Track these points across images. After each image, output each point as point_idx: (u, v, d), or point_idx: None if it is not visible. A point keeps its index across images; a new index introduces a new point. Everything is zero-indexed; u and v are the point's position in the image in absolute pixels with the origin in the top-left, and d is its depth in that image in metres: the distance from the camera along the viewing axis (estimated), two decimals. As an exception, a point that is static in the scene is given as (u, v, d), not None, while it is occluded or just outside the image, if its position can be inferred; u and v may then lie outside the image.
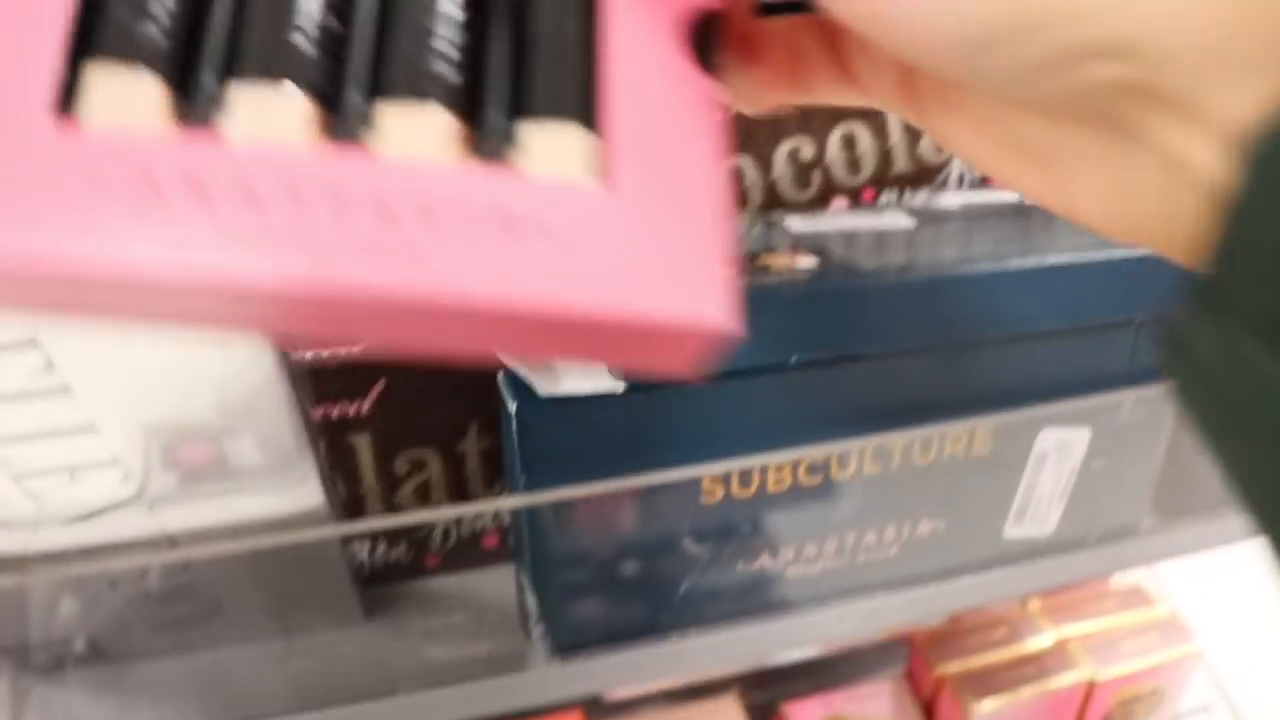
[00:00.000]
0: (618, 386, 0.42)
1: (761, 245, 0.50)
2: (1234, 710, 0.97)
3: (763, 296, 0.43)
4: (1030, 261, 0.47)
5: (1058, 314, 0.49)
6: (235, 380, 0.35)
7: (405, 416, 0.51)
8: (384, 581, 0.55)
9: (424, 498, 0.54)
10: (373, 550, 0.54)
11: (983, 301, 0.47)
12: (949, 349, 0.48)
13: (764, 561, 0.50)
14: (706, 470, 0.46)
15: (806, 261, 0.47)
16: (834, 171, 0.59)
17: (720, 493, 0.47)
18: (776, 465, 0.47)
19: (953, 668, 0.89)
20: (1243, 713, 0.97)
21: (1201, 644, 0.93)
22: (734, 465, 0.46)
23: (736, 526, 0.48)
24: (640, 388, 0.43)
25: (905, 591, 0.53)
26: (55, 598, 0.45)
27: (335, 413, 0.51)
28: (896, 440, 0.49)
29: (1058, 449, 0.53)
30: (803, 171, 0.59)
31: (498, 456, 0.54)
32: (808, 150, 0.58)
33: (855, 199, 0.61)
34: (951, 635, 0.93)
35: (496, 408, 0.52)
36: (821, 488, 0.48)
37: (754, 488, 0.47)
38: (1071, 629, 0.93)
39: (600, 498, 0.44)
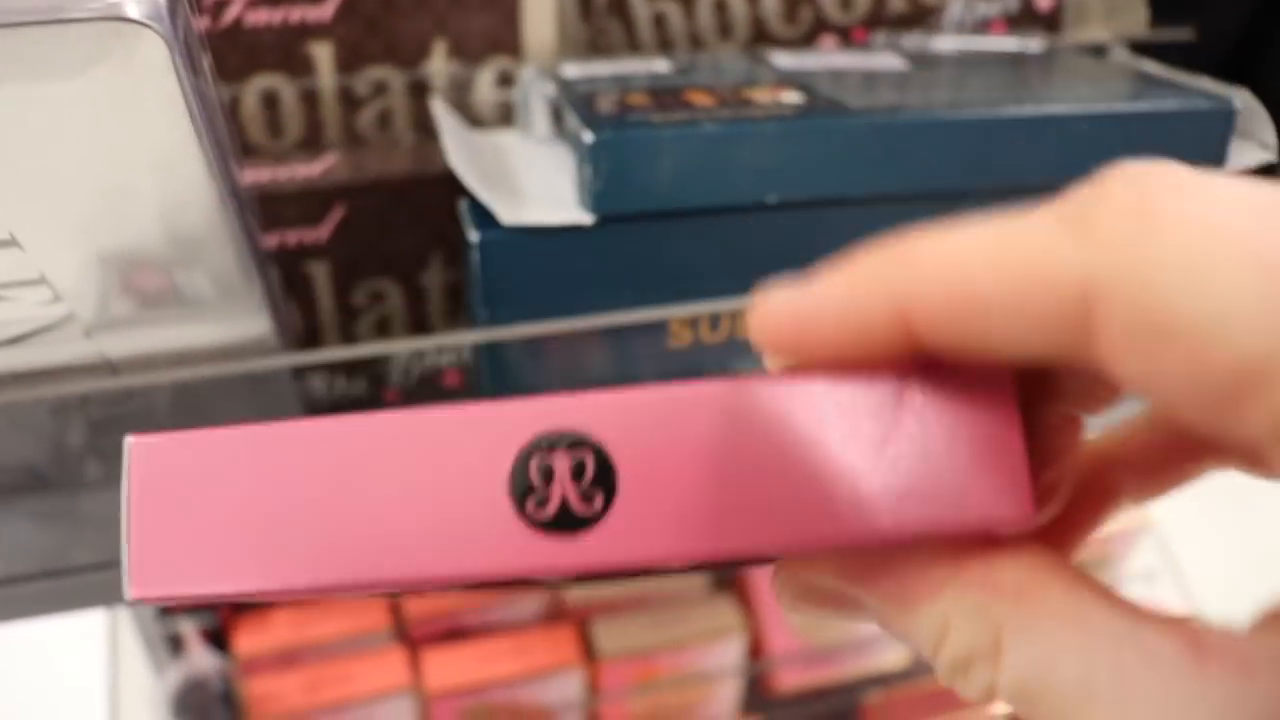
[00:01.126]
0: (586, 218, 0.40)
1: (744, 79, 0.48)
2: (1178, 576, 0.98)
3: (742, 130, 0.41)
4: (1025, 110, 0.45)
5: (1051, 167, 0.47)
6: (173, 201, 0.32)
7: (365, 245, 0.49)
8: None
9: (383, 331, 0.52)
10: (330, 383, 0.52)
11: (973, 149, 0.45)
12: (935, 198, 0.46)
13: (730, 409, 0.48)
14: (674, 312, 0.44)
15: (791, 97, 0.44)
16: (825, 7, 0.56)
17: (688, 337, 0.45)
18: (750, 309, 0.45)
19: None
20: (1186, 578, 0.98)
21: (1151, 513, 0.94)
22: (703, 308, 0.44)
23: (703, 374, 0.46)
24: (610, 220, 0.41)
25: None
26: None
27: (291, 240, 0.48)
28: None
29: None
30: (792, 6, 0.56)
31: (460, 291, 0.52)
32: (798, -17, 0.55)
33: (846, 38, 0.58)
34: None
35: (459, 238, 0.50)
36: (793, 336, 0.47)
37: (724, 333, 0.45)
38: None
39: (563, 335, 0.43)
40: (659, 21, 0.55)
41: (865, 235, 0.46)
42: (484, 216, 0.41)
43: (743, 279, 0.45)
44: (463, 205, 0.42)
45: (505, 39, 0.52)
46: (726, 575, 0.90)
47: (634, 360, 0.45)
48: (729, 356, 0.46)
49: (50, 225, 0.31)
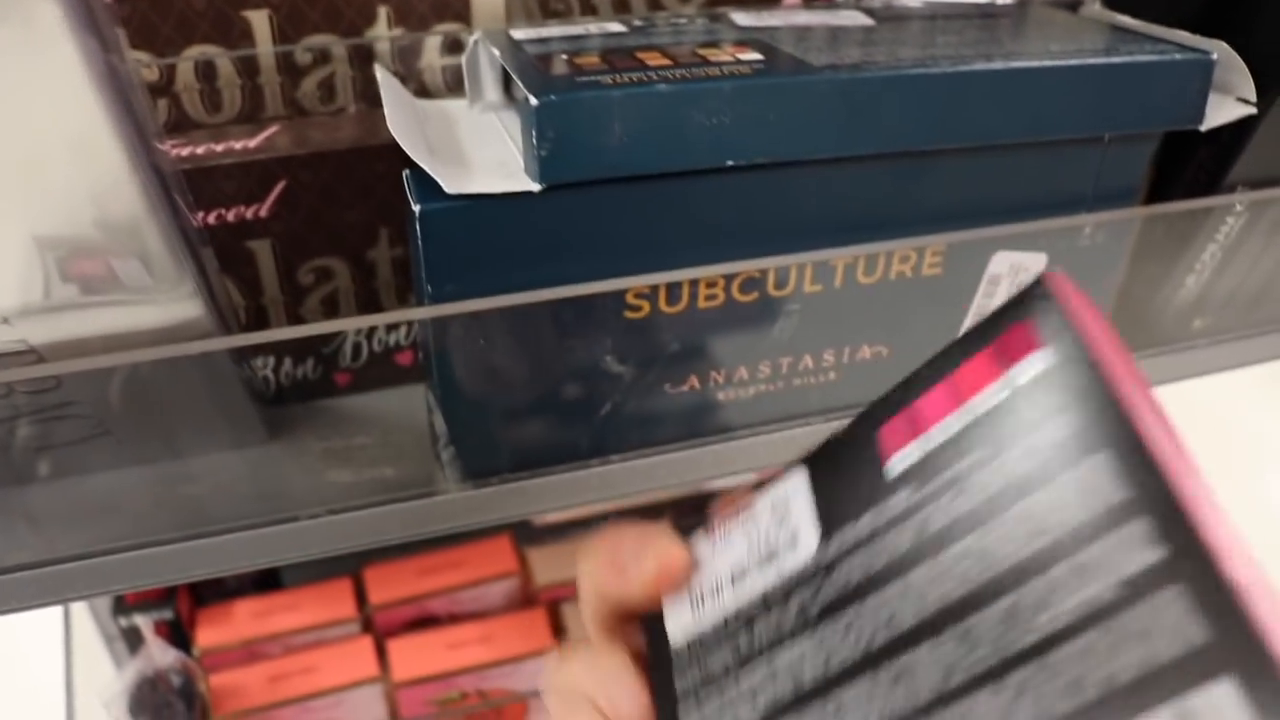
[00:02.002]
0: (534, 185, 0.38)
1: (703, 39, 0.45)
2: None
3: (697, 90, 0.39)
4: (997, 65, 0.43)
5: (1020, 126, 0.45)
6: (87, 179, 0.30)
7: (308, 221, 0.47)
8: (293, 400, 0.51)
9: (332, 310, 0.50)
10: (278, 367, 0.50)
11: (940, 108, 0.43)
12: (900, 159, 0.44)
13: (692, 384, 0.46)
14: (631, 283, 0.42)
15: (750, 55, 0.42)
16: (784, -34, 0.54)
17: (646, 308, 0.43)
18: (708, 280, 0.43)
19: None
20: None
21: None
22: (661, 278, 0.42)
23: (663, 345, 0.44)
24: (560, 187, 0.39)
25: (843, 418, 0.50)
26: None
27: (231, 216, 0.46)
28: (839, 257, 0.45)
29: (1011, 273, 0.50)
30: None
31: (408, 266, 0.50)
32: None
33: (809, -5, 0.56)
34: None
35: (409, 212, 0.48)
36: (756, 306, 0.45)
37: (683, 303, 0.43)
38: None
39: (515, 310, 0.40)
40: (614, -17, 0.53)
41: (830, 199, 0.44)
42: (428, 187, 0.39)
43: (702, 247, 0.43)
44: (406, 175, 0.40)
45: (453, 3, 0.50)
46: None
47: (590, 335, 0.43)
48: (689, 329, 0.44)
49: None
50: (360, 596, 0.76)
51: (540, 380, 0.43)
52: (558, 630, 0.77)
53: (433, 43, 0.50)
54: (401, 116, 0.42)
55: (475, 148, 0.42)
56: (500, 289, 0.40)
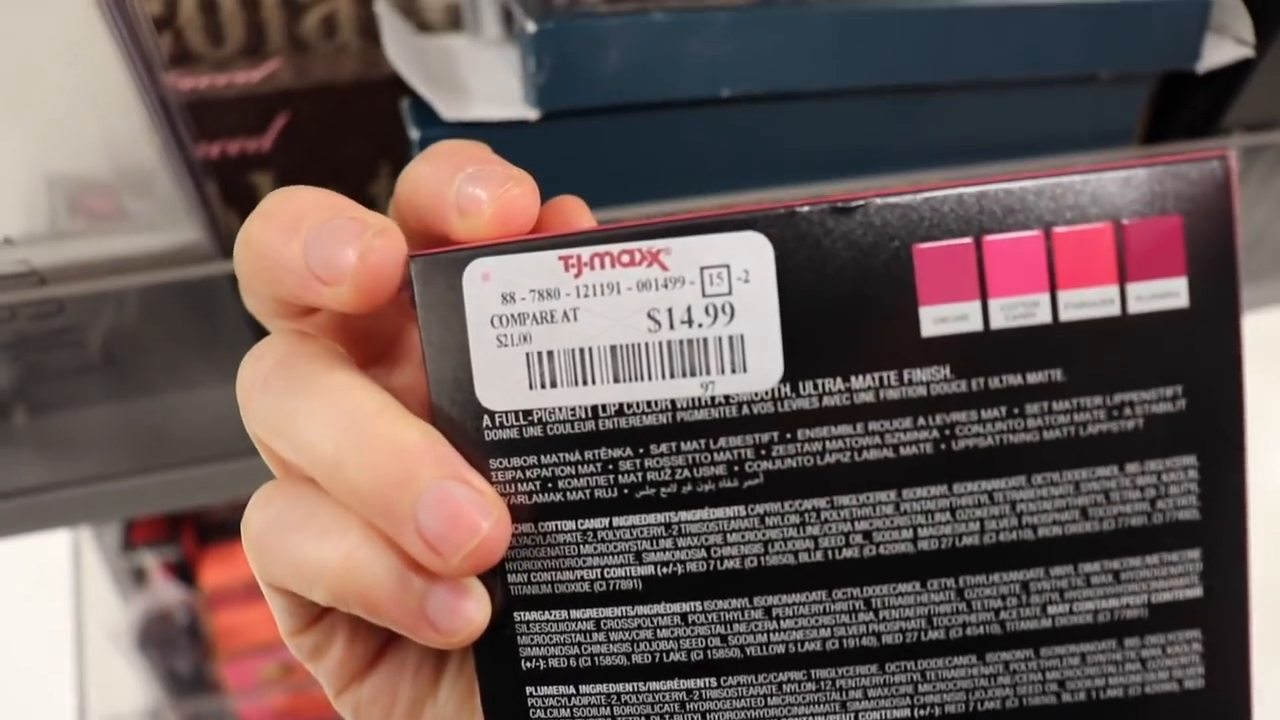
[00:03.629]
0: (531, 113, 0.39)
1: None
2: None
3: (693, 20, 0.39)
4: (991, 1, 0.43)
5: (1015, 62, 0.45)
6: (94, 105, 0.31)
7: (310, 154, 0.48)
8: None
9: (331, 244, 0.51)
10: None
11: (936, 41, 0.43)
12: (895, 93, 0.45)
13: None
14: (626, 214, 0.42)
15: (747, -12, 0.43)
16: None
17: (643, 241, 0.43)
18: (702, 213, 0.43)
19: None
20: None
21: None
22: (655, 209, 0.43)
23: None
24: (556, 115, 0.39)
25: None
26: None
27: (234, 149, 0.47)
28: (834, 193, 0.45)
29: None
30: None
31: (411, 203, 0.50)
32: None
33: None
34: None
35: (410, 146, 0.48)
36: (753, 241, 0.45)
37: (680, 237, 0.44)
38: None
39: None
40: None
41: (822, 132, 0.45)
42: (426, 114, 0.39)
43: (696, 178, 0.43)
44: (404, 104, 0.41)
45: (452, -62, 0.50)
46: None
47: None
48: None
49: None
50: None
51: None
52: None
53: (433, -21, 0.50)
54: (401, 48, 0.42)
55: (474, 79, 0.43)
56: (497, 217, 0.41)
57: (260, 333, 0.42)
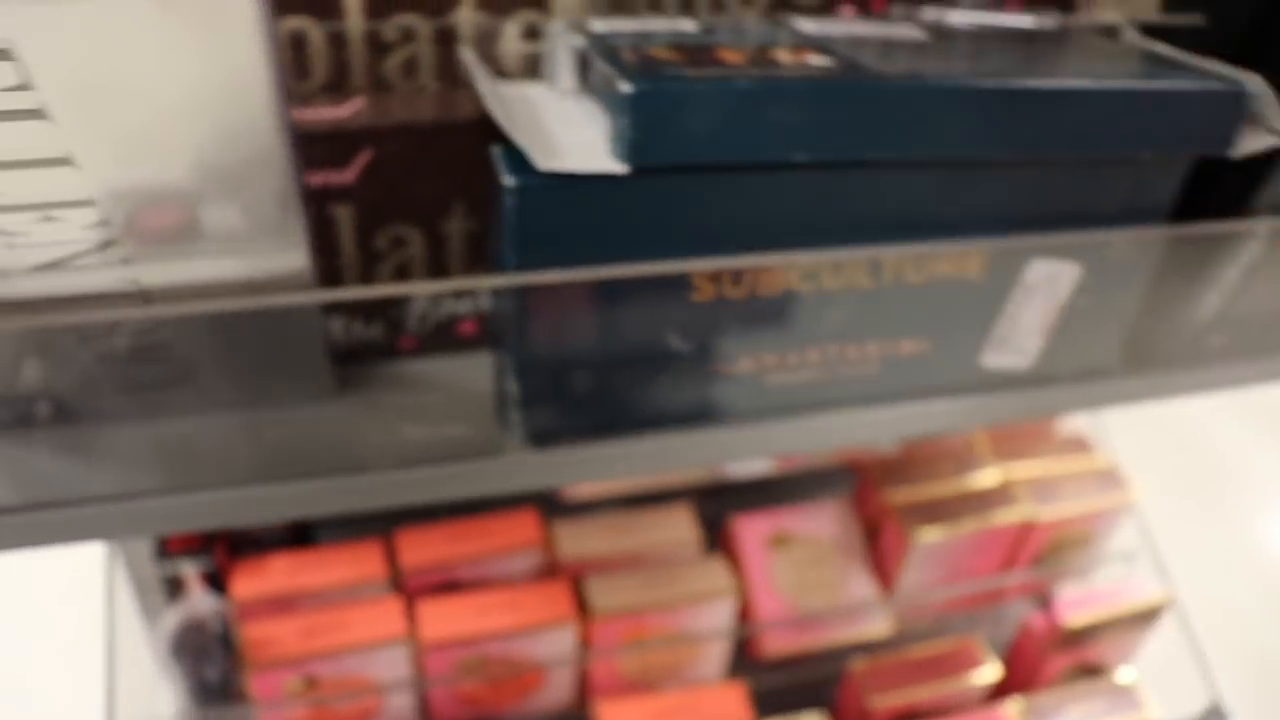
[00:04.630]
0: (621, 167, 0.41)
1: (769, 42, 0.48)
2: (1156, 557, 1.00)
3: (774, 88, 0.41)
4: (1047, 84, 0.46)
5: (1065, 142, 0.48)
6: (236, 129, 0.33)
7: (390, 190, 0.50)
8: (356, 360, 0.54)
9: (402, 277, 0.53)
10: (348, 327, 0.53)
11: (995, 120, 0.46)
12: (952, 166, 0.47)
13: (745, 366, 0.49)
14: (701, 265, 0.45)
15: (817, 59, 0.45)
16: (849, -25, 0.57)
17: (711, 291, 0.46)
18: (769, 268, 0.46)
19: (899, 496, 0.90)
20: (1165, 561, 1.00)
21: (1134, 494, 0.95)
22: (729, 263, 0.45)
23: (723, 327, 0.47)
24: (643, 171, 0.41)
25: (881, 409, 0.53)
26: (20, 351, 0.44)
27: (318, 181, 0.49)
28: (892, 256, 0.48)
29: (1047, 281, 0.53)
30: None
31: (480, 240, 0.53)
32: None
33: (864, 7, 0.58)
34: (899, 465, 0.94)
35: (484, 187, 0.50)
36: (812, 296, 0.48)
37: (745, 288, 0.46)
38: (1016, 469, 0.95)
39: (591, 284, 0.43)
40: (683, -17, 0.56)
41: (885, 199, 0.47)
42: (518, 162, 0.42)
43: (767, 236, 0.46)
44: (496, 151, 0.43)
45: (534, -8, 0.52)
46: (718, 537, 0.91)
47: (656, 313, 0.46)
48: (747, 313, 0.47)
49: (110, 146, 0.32)
50: (390, 558, 0.79)
51: (606, 353, 0.46)
52: (581, 602, 0.80)
53: (512, 29, 0.52)
54: (493, 96, 0.44)
55: (558, 129, 0.45)
56: (578, 263, 0.43)
57: (338, 363, 0.44)
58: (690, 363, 0.48)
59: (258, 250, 0.39)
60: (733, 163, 0.43)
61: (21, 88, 0.29)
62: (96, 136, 0.31)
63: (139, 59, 0.29)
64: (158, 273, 0.39)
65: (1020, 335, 0.55)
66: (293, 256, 0.40)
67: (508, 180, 0.41)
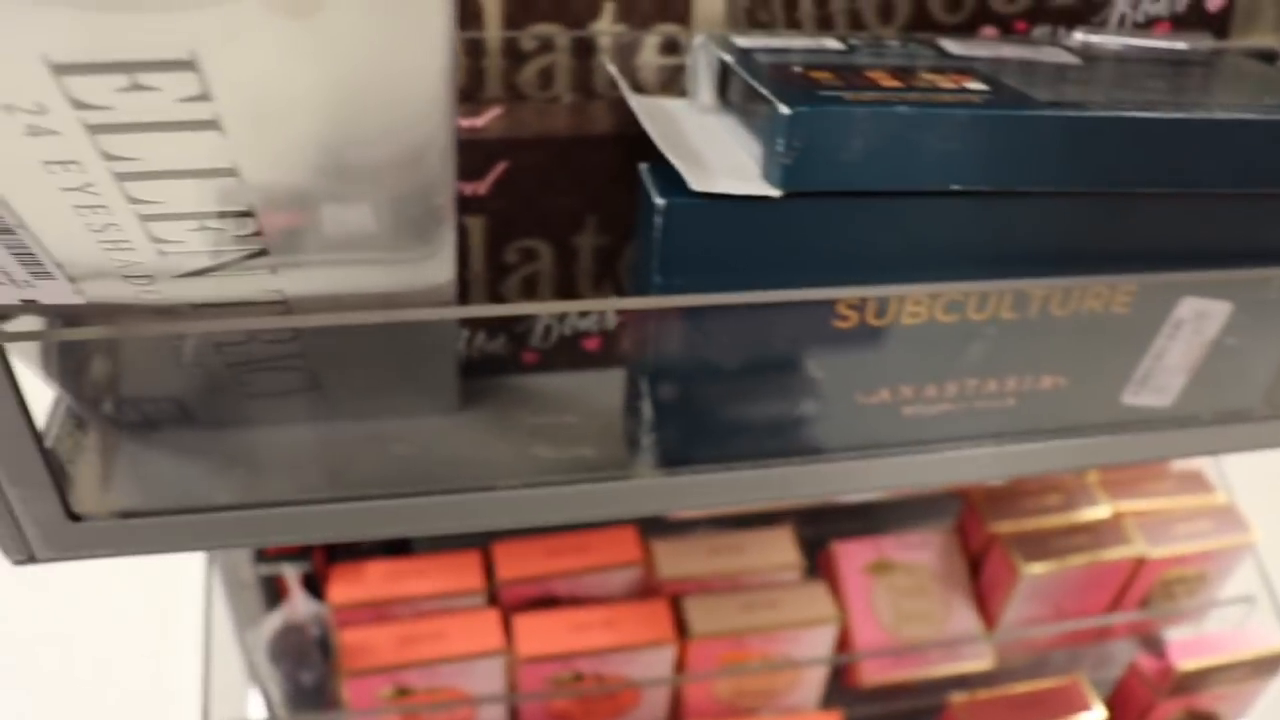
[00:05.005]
0: (774, 190, 0.40)
1: (921, 63, 0.47)
2: (1277, 604, 0.96)
3: (934, 114, 0.40)
4: (1212, 115, 0.44)
5: (1225, 175, 0.46)
6: (409, 142, 0.32)
7: (523, 203, 0.49)
8: (478, 373, 0.53)
9: (530, 290, 0.52)
10: (471, 340, 0.52)
11: (1155, 151, 0.44)
12: (1108, 197, 0.45)
13: (882, 396, 0.48)
14: (846, 293, 0.43)
15: (975, 84, 0.43)
16: (990, -5, 0.55)
17: (854, 318, 0.44)
18: (915, 297, 0.44)
19: (1005, 527, 0.88)
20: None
21: (1253, 535, 0.92)
22: (873, 291, 0.43)
23: (863, 356, 0.46)
24: (795, 195, 0.40)
25: (1015, 444, 0.51)
26: (155, 355, 0.44)
27: (450, 191, 0.48)
28: (1040, 288, 0.46)
29: (1195, 319, 0.50)
30: (957, -8, 0.55)
31: (610, 255, 0.51)
32: (967, -31, 0.54)
33: (1006, 28, 0.57)
34: (1006, 494, 0.92)
35: (617, 203, 0.49)
36: (955, 327, 0.46)
37: (889, 318, 0.45)
38: (1128, 504, 0.92)
39: (734, 307, 0.42)
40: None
41: (1036, 231, 0.45)
42: (668, 181, 0.40)
43: (917, 265, 0.44)
44: (643, 168, 0.42)
45: (675, 5, 0.51)
46: (818, 561, 0.90)
47: (797, 339, 0.44)
48: (890, 342, 0.45)
49: (276, 156, 0.31)
50: (487, 570, 0.78)
51: (745, 378, 0.45)
52: (680, 623, 0.79)
53: (651, 41, 0.51)
54: (644, 112, 0.43)
55: (703, 147, 0.44)
56: (724, 287, 0.41)
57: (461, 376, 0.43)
58: (827, 390, 0.46)
59: (406, 262, 0.38)
60: (886, 190, 0.41)
61: (199, 99, 0.28)
62: (264, 147, 0.30)
63: (320, 71, 0.28)
64: (301, 282, 0.38)
65: (1164, 373, 0.53)
66: (439, 270, 0.39)
67: (658, 199, 0.40)
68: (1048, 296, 0.47)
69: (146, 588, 1.09)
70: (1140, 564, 0.88)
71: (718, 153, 0.43)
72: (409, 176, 0.33)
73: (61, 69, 0.27)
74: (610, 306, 0.48)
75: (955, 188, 0.42)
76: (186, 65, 0.28)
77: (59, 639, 1.13)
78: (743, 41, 0.48)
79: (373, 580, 0.76)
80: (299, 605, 0.73)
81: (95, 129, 0.29)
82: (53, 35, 0.26)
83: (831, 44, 0.49)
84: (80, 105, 0.28)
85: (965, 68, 0.46)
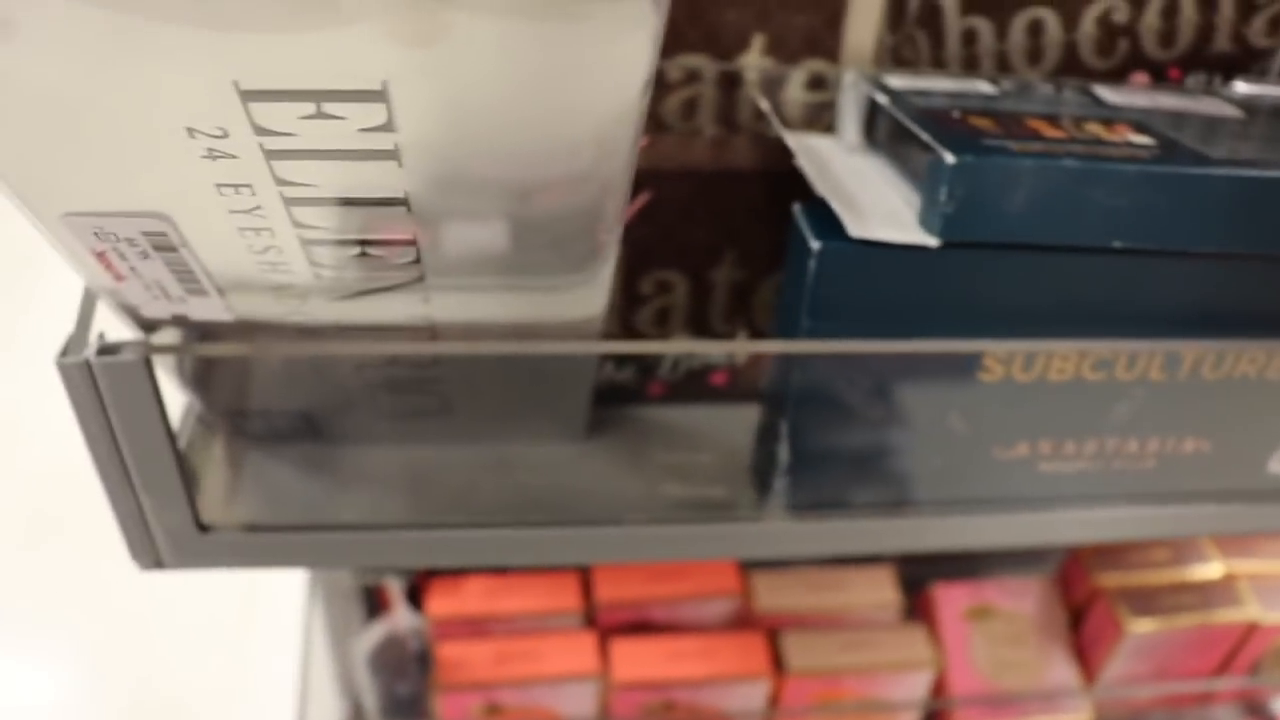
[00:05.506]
0: (932, 240, 0.39)
1: (1079, 112, 0.45)
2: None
3: (1101, 169, 0.39)
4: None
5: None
6: (589, 172, 0.31)
7: (662, 233, 0.48)
8: (604, 403, 0.53)
9: (663, 321, 0.51)
10: (600, 369, 0.52)
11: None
12: (1272, 260, 0.44)
13: (1020, 451, 0.46)
14: (995, 346, 0.42)
15: (1140, 138, 0.42)
16: (1144, 41, 0.54)
17: (1000, 372, 0.43)
18: (1064, 354, 0.43)
19: (1111, 580, 0.86)
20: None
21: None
22: (1024, 346, 0.42)
23: (1006, 410, 0.45)
24: (954, 245, 0.39)
25: (1153, 508, 0.50)
26: (297, 371, 0.44)
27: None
28: (1194, 350, 0.44)
29: (1349, 386, 0.49)
30: (1109, 36, 0.53)
31: (745, 291, 0.51)
32: (1121, 13, 0.52)
33: (1160, 75, 0.55)
34: (1112, 547, 0.89)
35: (755, 239, 0.49)
36: (1101, 386, 0.45)
37: (1035, 373, 0.43)
38: (1240, 564, 0.89)
39: (881, 356, 0.41)
40: (968, 38, 0.53)
41: (1196, 292, 0.44)
42: (823, 224, 0.40)
43: (1069, 321, 0.43)
44: (797, 208, 0.41)
45: (825, 41, 0.51)
46: (916, 602, 0.88)
47: (940, 390, 0.43)
48: (1034, 397, 0.44)
49: (449, 188, 0.31)
50: (585, 591, 0.78)
51: (886, 426, 0.44)
52: (776, 657, 0.77)
53: (797, 77, 0.51)
54: (802, 152, 0.43)
55: (856, 189, 0.43)
56: (870, 333, 0.41)
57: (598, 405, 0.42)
58: (964, 442, 0.45)
59: (561, 290, 0.37)
60: (1046, 244, 0.40)
61: (384, 129, 0.28)
62: (439, 179, 0.30)
63: (506, 106, 0.28)
64: (452, 309, 0.38)
65: (1311, 442, 0.51)
66: (593, 301, 0.38)
67: (814, 243, 0.39)
68: (1200, 359, 0.45)
69: (251, 590, 1.11)
70: (1252, 629, 0.85)
71: (870, 196, 0.42)
72: (583, 210, 0.32)
73: (250, 95, 0.27)
74: (755, 349, 0.47)
75: (1117, 245, 0.40)
76: (376, 96, 0.27)
77: (157, 636, 1.15)
78: (895, 82, 0.47)
79: (471, 595, 0.76)
80: (401, 617, 0.73)
81: (273, 154, 0.29)
82: (244, 61, 0.26)
83: (984, 88, 0.48)
84: (262, 131, 0.28)
85: (1123, 118, 0.45)
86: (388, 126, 0.28)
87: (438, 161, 0.30)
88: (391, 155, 0.29)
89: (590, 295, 0.38)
